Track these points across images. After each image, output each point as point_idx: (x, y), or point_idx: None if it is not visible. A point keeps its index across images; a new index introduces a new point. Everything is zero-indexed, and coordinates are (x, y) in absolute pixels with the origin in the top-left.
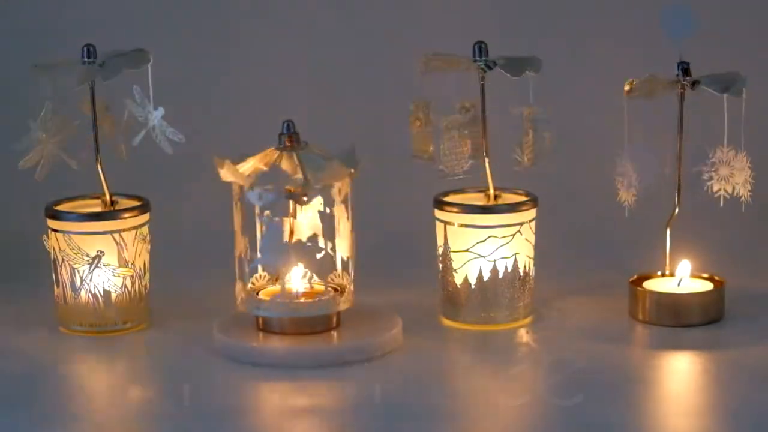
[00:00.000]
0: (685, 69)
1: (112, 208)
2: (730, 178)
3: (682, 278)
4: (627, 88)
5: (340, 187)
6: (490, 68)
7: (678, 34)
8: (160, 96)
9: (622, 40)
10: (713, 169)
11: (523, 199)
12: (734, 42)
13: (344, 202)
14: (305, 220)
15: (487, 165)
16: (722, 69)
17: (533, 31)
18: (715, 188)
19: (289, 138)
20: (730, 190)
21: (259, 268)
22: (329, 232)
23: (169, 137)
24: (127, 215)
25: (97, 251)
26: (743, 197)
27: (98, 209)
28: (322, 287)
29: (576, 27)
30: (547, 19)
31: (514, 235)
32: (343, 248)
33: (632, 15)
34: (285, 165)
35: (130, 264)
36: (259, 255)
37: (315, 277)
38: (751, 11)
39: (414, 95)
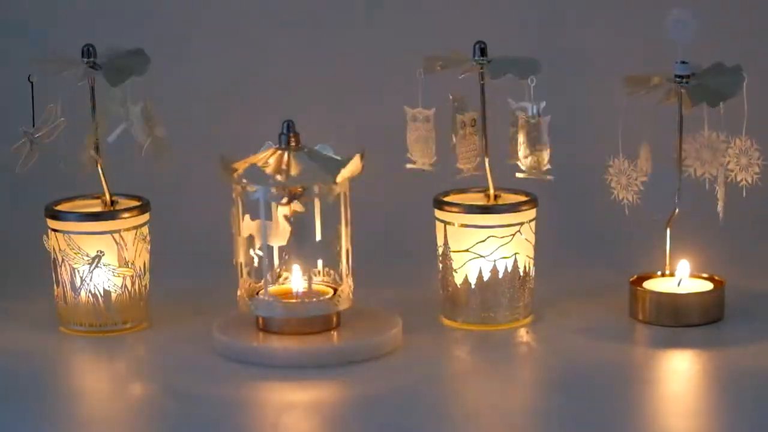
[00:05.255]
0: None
1: (112, 208)
2: (750, 168)
3: (681, 278)
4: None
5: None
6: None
7: (683, 36)
8: (160, 96)
9: (622, 37)
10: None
11: (523, 199)
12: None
13: (345, 201)
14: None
15: (487, 165)
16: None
17: (533, 27)
18: (739, 178)
19: (291, 138)
20: (750, 180)
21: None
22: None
23: (149, 133)
24: (127, 215)
25: (97, 251)
26: (743, 181)
27: (98, 209)
28: (323, 287)
29: (576, 23)
30: (547, 15)
31: (514, 235)
32: (343, 248)
33: (633, 11)
34: (293, 165)
35: (130, 264)
36: (298, 254)
37: (317, 276)
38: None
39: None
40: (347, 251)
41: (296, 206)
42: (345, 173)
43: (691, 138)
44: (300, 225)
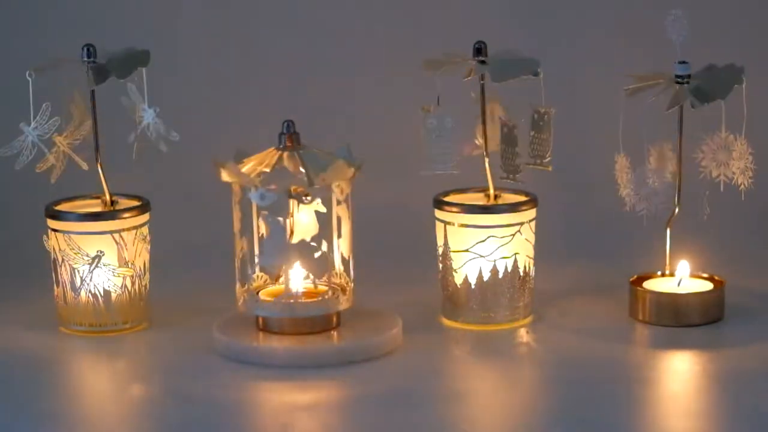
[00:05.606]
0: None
1: (112, 208)
2: (745, 171)
3: (681, 278)
4: (629, 88)
5: (341, 187)
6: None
7: (682, 36)
8: (160, 95)
9: (621, 35)
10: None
11: (523, 199)
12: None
13: (345, 201)
14: (302, 222)
15: (487, 165)
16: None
17: (533, 26)
18: (740, 181)
19: (290, 138)
20: (746, 182)
21: (257, 268)
22: (329, 232)
23: (164, 135)
24: (127, 215)
25: (97, 251)
26: (742, 185)
27: (98, 209)
28: (323, 287)
29: (576, 22)
30: (547, 14)
31: (514, 235)
32: (343, 248)
33: (634, 11)
34: (286, 165)
35: (130, 264)
36: (261, 255)
37: (312, 277)
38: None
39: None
40: (343, 252)
41: (318, 207)
42: (327, 178)
43: (709, 139)
44: (274, 226)
